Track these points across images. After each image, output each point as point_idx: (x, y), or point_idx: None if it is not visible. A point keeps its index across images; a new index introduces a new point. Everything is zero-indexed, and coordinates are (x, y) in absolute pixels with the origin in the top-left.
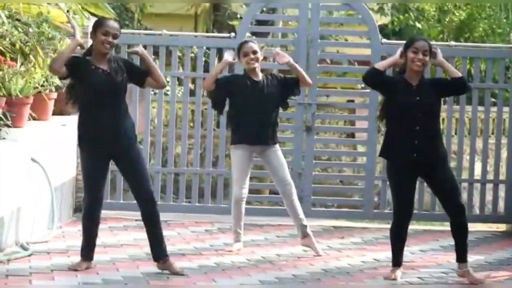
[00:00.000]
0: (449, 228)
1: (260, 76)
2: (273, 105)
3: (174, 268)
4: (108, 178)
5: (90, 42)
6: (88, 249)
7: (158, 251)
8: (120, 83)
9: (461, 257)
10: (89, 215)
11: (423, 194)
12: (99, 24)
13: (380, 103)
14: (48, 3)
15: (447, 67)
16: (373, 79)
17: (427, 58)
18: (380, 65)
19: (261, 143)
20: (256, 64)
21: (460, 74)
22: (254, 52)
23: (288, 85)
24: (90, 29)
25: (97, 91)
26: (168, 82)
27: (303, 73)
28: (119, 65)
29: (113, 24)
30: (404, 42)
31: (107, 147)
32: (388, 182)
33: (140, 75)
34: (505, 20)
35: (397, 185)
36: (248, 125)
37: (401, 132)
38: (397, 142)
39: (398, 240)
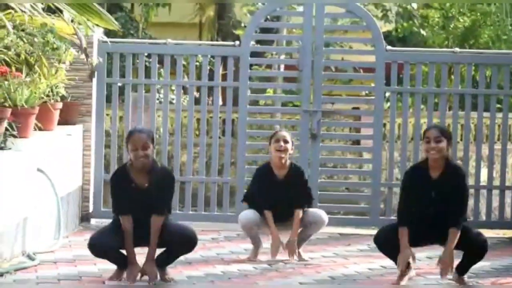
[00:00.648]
0: None
1: (285, 170)
2: (290, 205)
3: (161, 276)
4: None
5: (94, 49)
6: (119, 261)
7: (163, 262)
8: (155, 202)
9: (463, 271)
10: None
11: None
12: (127, 138)
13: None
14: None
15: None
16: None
17: (442, 144)
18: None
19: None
20: (283, 155)
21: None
22: (285, 141)
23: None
24: (94, 39)
25: (133, 208)
26: (173, 90)
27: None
28: (160, 180)
29: (140, 136)
30: (408, 49)
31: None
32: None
33: (156, 206)
34: (510, 27)
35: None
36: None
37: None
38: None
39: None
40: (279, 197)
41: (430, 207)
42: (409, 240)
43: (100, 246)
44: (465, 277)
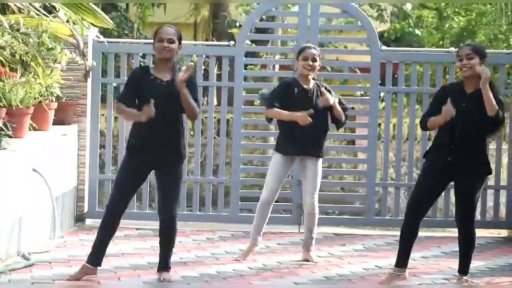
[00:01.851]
0: (450, 235)
1: (311, 84)
2: (320, 115)
3: (165, 277)
4: (109, 186)
5: (89, 49)
6: (98, 256)
7: (160, 264)
8: (177, 95)
9: (462, 268)
10: (107, 224)
11: None
12: (155, 32)
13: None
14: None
15: (486, 97)
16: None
17: (474, 61)
18: (432, 128)
19: (303, 154)
20: (311, 73)
21: (493, 113)
22: (314, 60)
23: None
24: (89, 39)
25: (155, 102)
26: None
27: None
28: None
29: (167, 29)
30: (403, 49)
31: (152, 158)
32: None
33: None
34: (506, 27)
35: (421, 181)
36: (294, 134)
37: (442, 135)
38: (437, 144)
39: (403, 238)
40: (308, 106)
41: (459, 115)
42: (434, 146)
43: None
44: (467, 277)
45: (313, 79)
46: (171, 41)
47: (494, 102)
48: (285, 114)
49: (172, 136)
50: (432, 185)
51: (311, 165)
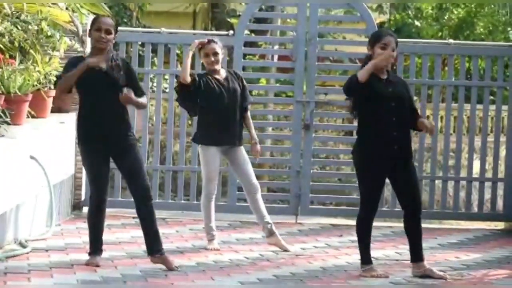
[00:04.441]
0: (447, 226)
1: (223, 73)
2: (238, 102)
3: (169, 264)
4: None
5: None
6: (98, 244)
7: (152, 246)
8: (115, 81)
9: (419, 256)
10: (97, 209)
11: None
12: (93, 21)
13: (351, 100)
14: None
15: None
16: (355, 90)
17: (395, 53)
18: (363, 76)
19: (228, 143)
20: (217, 66)
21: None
22: (215, 54)
23: (244, 92)
24: (88, 27)
25: (94, 89)
26: (166, 79)
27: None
28: (117, 64)
29: (106, 20)
30: (402, 40)
31: (105, 144)
32: (360, 174)
33: (134, 92)
34: (504, 18)
35: (373, 178)
36: (216, 125)
37: (379, 125)
38: (375, 135)
39: (368, 234)
40: (226, 92)
41: (392, 103)
42: (381, 143)
43: None
44: (426, 263)
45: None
46: (108, 32)
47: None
48: (186, 59)
49: (117, 121)
50: (383, 182)
51: (237, 151)
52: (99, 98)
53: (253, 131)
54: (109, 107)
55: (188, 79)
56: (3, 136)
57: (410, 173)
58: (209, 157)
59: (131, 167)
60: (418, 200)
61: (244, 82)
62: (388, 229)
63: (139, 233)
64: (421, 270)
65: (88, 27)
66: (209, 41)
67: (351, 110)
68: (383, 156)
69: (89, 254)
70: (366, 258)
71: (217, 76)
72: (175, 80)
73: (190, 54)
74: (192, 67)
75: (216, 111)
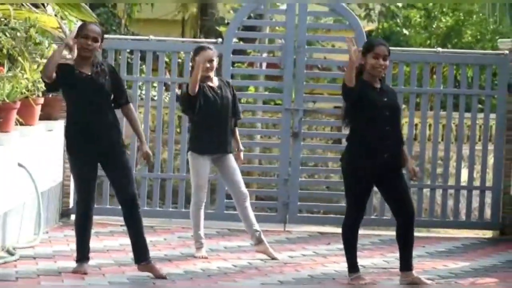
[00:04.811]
0: (435, 235)
1: (216, 81)
2: (230, 111)
3: (157, 272)
4: None
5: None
6: (85, 251)
7: (139, 254)
8: (101, 87)
9: (408, 265)
10: (84, 217)
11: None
12: (80, 28)
13: (343, 108)
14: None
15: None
16: (353, 97)
17: (388, 63)
18: (350, 81)
19: (218, 152)
20: (211, 73)
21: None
22: (211, 61)
23: (235, 102)
24: None
25: (80, 95)
26: (155, 87)
27: None
28: (102, 69)
29: (94, 27)
30: (390, 48)
31: (94, 151)
32: (348, 181)
33: (119, 98)
34: (492, 27)
35: (361, 185)
36: (209, 133)
37: (373, 133)
38: (368, 142)
39: (355, 241)
40: (219, 101)
41: (386, 112)
42: (374, 152)
43: None
44: (414, 272)
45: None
46: (95, 40)
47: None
48: (197, 71)
49: (105, 127)
50: (369, 191)
51: (226, 159)
52: (86, 104)
53: (239, 140)
54: (98, 113)
55: (196, 90)
56: None
57: (402, 182)
58: (199, 165)
59: (120, 174)
60: (411, 209)
61: (235, 91)
62: (376, 237)
63: (127, 240)
64: (409, 278)
65: (74, 33)
66: (206, 48)
67: (342, 118)
68: (374, 164)
69: (76, 261)
70: (353, 266)
71: (210, 84)
72: (178, 89)
73: (201, 67)
74: (180, 73)
75: (209, 119)
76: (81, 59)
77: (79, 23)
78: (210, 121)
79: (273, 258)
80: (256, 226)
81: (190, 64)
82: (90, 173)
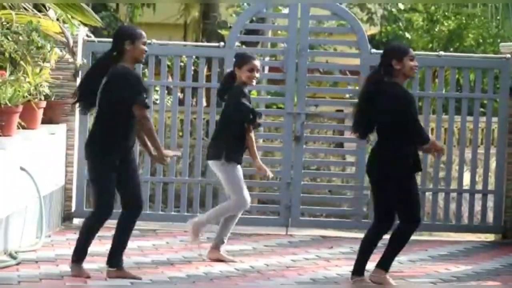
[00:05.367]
0: (437, 238)
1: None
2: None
3: (129, 274)
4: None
5: (79, 48)
6: (85, 254)
7: (118, 258)
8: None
9: (386, 264)
10: (102, 222)
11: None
12: (140, 34)
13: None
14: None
15: None
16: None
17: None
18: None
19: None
20: (253, 83)
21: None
22: (258, 71)
23: None
24: (79, 38)
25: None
26: (157, 91)
27: None
28: None
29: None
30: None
31: (119, 156)
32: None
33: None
34: (496, 30)
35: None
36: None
37: (409, 140)
38: (407, 150)
39: (373, 247)
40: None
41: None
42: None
43: None
44: (384, 273)
45: None
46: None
47: None
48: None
49: (134, 134)
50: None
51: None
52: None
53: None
54: (131, 119)
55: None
56: None
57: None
58: (240, 174)
59: (132, 177)
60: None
61: None
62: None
63: (129, 244)
64: (381, 277)
65: (79, 37)
66: (254, 57)
67: (363, 136)
68: (413, 170)
69: (73, 262)
70: (360, 270)
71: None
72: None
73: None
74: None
75: (243, 127)
76: (134, 63)
77: (82, 27)
78: (243, 129)
79: (231, 261)
80: (226, 239)
81: (230, 70)
82: (113, 182)
